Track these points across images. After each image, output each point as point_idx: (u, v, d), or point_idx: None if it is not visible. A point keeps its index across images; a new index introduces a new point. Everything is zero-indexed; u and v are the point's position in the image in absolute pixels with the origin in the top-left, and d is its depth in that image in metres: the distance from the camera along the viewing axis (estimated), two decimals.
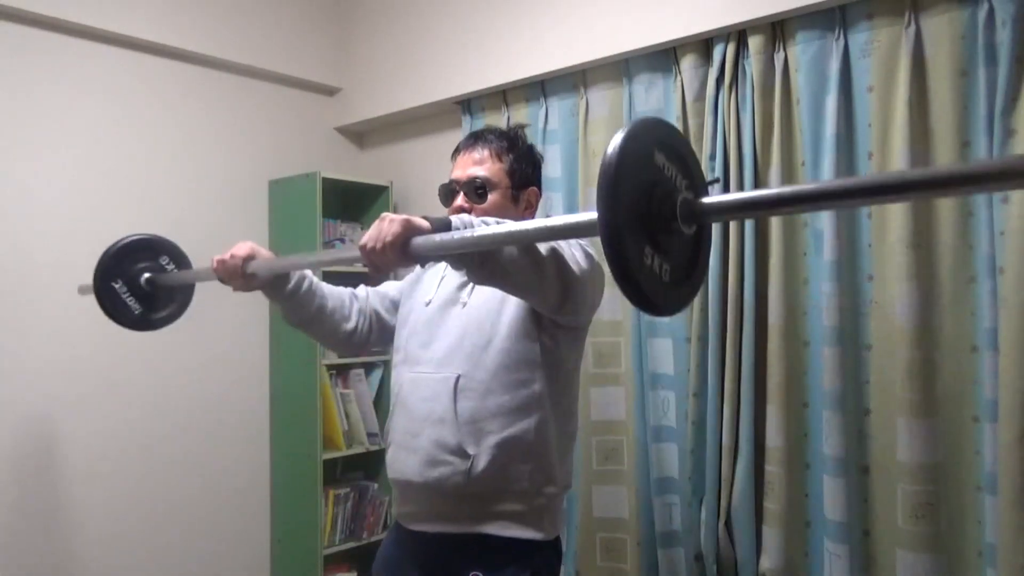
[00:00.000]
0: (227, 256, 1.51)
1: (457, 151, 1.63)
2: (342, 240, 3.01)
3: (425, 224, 1.15)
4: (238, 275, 1.50)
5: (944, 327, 1.88)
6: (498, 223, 1.12)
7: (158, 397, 2.69)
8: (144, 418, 2.64)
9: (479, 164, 1.57)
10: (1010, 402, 1.71)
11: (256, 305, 2.98)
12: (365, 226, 3.17)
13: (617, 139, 0.81)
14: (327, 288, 1.67)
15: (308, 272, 1.62)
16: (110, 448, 2.56)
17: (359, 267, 3.17)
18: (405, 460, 1.50)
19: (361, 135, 3.42)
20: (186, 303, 1.88)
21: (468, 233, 1.09)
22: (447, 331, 1.52)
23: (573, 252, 1.38)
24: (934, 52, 1.89)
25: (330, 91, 3.28)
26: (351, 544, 2.96)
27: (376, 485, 3.07)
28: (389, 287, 1.77)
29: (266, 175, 3.04)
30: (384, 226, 1.15)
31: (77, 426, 2.49)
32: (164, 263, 1.81)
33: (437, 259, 1.23)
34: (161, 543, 2.66)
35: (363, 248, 1.17)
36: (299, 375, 2.91)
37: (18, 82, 2.39)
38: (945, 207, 1.88)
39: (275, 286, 1.56)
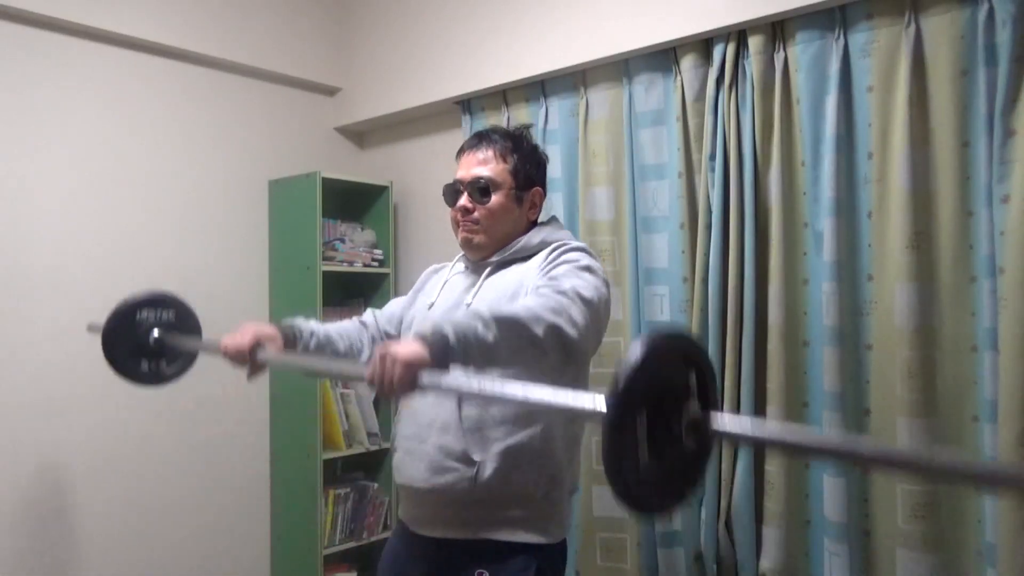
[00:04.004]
0: (234, 343, 1.49)
1: (462, 151, 1.63)
2: (342, 240, 3.00)
3: (426, 358, 1.14)
4: (246, 362, 1.50)
5: (944, 327, 1.88)
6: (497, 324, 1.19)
7: (157, 397, 2.68)
8: (143, 418, 2.64)
9: (483, 164, 1.57)
10: (1010, 402, 1.71)
11: (256, 306, 2.99)
12: (365, 226, 3.17)
13: (641, 345, 0.83)
14: (335, 332, 1.67)
15: (315, 327, 1.63)
16: (109, 448, 2.56)
17: (358, 268, 3.15)
18: (411, 465, 1.51)
19: (361, 135, 3.42)
20: (192, 361, 1.83)
21: (475, 382, 1.08)
22: None
23: (570, 313, 1.31)
24: (934, 52, 1.89)
25: (330, 91, 3.28)
26: (351, 544, 2.96)
27: (376, 485, 3.07)
28: (395, 304, 1.77)
29: (266, 175, 3.04)
30: (387, 367, 1.13)
31: (77, 427, 2.49)
32: (169, 317, 1.76)
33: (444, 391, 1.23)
34: (161, 543, 2.66)
35: (370, 382, 1.16)
36: (299, 375, 2.91)
37: (18, 82, 2.39)
38: (945, 207, 1.88)
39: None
